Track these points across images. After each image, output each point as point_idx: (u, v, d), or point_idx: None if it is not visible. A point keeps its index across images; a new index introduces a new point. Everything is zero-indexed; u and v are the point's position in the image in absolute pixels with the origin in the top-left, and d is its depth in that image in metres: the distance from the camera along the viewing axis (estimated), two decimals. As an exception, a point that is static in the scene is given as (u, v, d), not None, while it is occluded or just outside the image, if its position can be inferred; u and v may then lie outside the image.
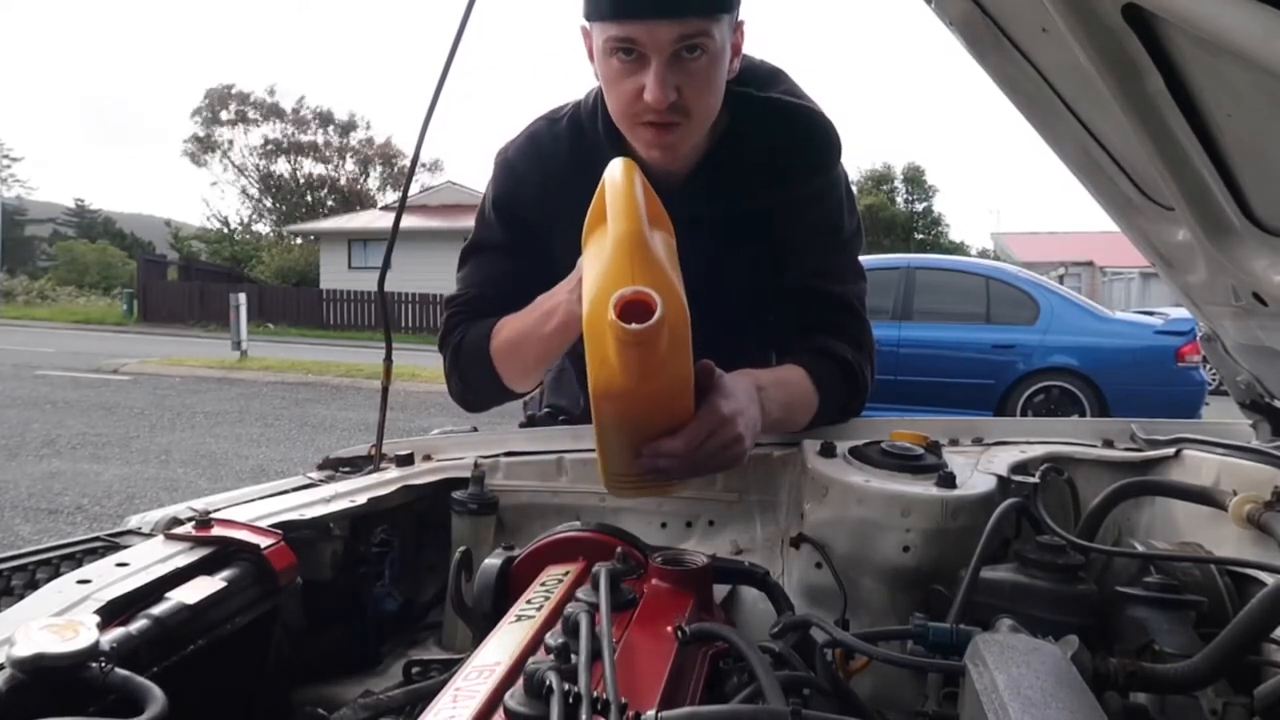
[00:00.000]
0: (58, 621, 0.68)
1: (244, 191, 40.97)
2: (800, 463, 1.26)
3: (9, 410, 8.86)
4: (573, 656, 0.64)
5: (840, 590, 1.10)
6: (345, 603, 1.13)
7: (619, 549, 0.89)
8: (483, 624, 0.88)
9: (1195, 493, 1.15)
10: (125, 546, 0.96)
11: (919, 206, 38.64)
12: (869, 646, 0.80)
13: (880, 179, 37.93)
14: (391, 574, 1.20)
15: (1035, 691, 0.59)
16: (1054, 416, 7.33)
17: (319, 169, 40.60)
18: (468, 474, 1.25)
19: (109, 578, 0.84)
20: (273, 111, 39.62)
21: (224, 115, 39.26)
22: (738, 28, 1.26)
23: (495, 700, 0.62)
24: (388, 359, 1.44)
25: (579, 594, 0.80)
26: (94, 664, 0.66)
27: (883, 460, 1.19)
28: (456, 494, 1.23)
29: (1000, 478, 1.17)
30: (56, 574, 0.90)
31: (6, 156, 44.95)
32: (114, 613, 0.78)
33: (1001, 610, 0.90)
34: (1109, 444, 1.40)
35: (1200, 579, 0.99)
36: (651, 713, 0.60)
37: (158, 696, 0.65)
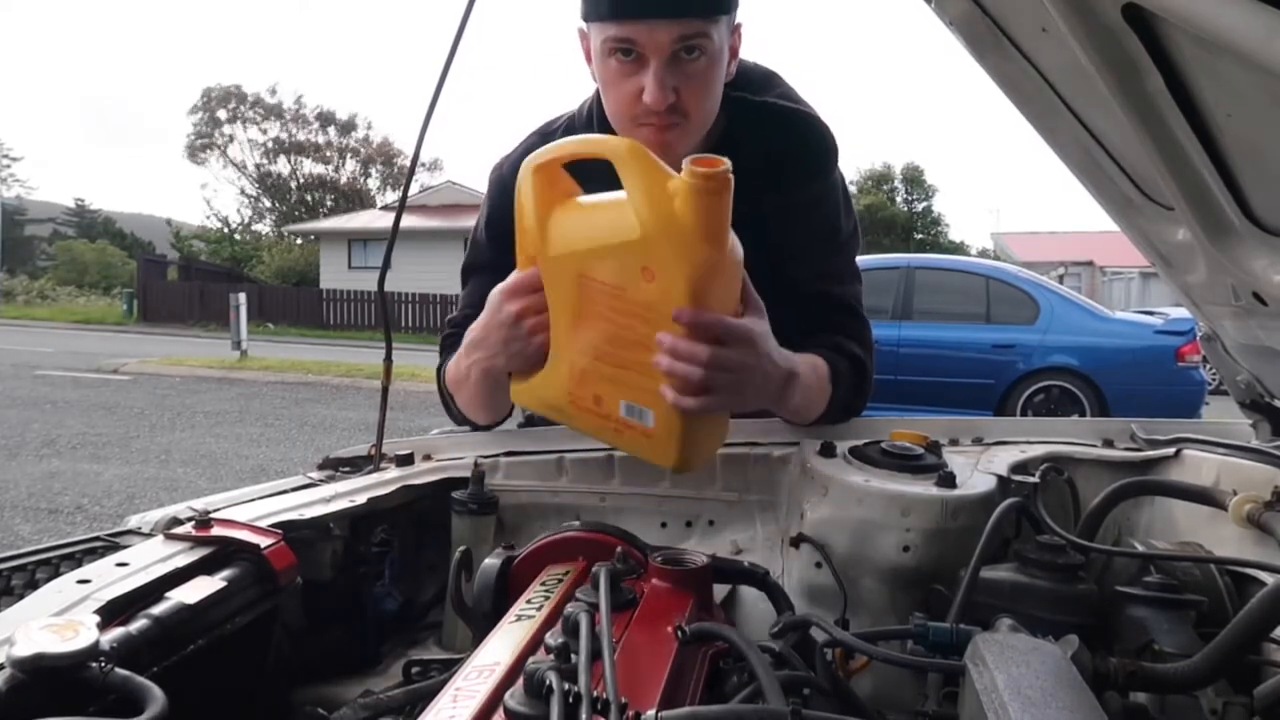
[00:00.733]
0: (58, 621, 0.68)
1: (243, 191, 41.05)
2: (800, 462, 1.26)
3: (9, 410, 8.86)
4: (573, 656, 0.64)
5: (840, 590, 1.10)
6: (345, 603, 1.13)
7: (619, 549, 0.89)
8: (483, 624, 0.88)
9: (1195, 492, 1.15)
10: (125, 546, 0.96)
11: (919, 206, 38.66)
12: (869, 646, 0.80)
13: (880, 179, 37.95)
14: (391, 574, 1.20)
15: (1035, 691, 0.59)
16: (1054, 416, 7.34)
17: (319, 169, 40.65)
18: (468, 474, 1.24)
19: (109, 578, 0.84)
20: (272, 111, 39.66)
21: (221, 114, 39.29)
22: (736, 30, 1.26)
23: (495, 700, 0.62)
24: (388, 359, 1.44)
25: (579, 594, 0.80)
26: (94, 664, 0.66)
27: (883, 460, 1.19)
28: (456, 494, 1.23)
29: (1000, 477, 1.17)
30: (56, 574, 0.90)
31: (6, 156, 45.00)
32: (114, 613, 0.78)
33: (1001, 610, 0.90)
34: (1109, 444, 1.40)
35: (1200, 579, 0.99)
36: (651, 713, 0.60)
37: (158, 696, 0.65)
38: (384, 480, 1.25)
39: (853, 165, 37.75)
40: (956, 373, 8.06)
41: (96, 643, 0.66)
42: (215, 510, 1.03)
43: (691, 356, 1.00)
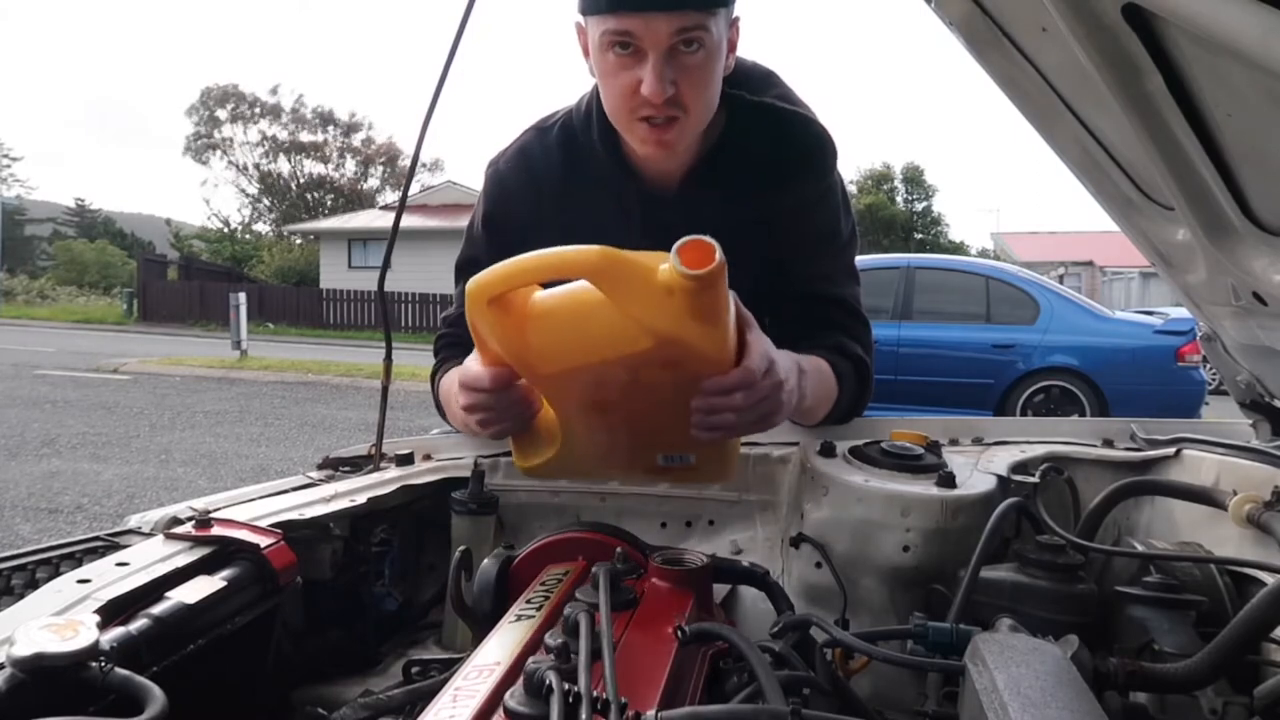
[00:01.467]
0: (58, 621, 0.68)
1: (243, 191, 41.04)
2: (800, 462, 1.26)
3: (9, 410, 8.86)
4: (572, 656, 0.64)
5: (840, 590, 1.10)
6: (345, 602, 1.13)
7: (619, 549, 0.89)
8: (482, 624, 0.88)
9: (1195, 492, 1.15)
10: (125, 546, 0.96)
11: (919, 206, 38.65)
12: (869, 646, 0.80)
13: (880, 178, 37.94)
14: (391, 574, 1.20)
15: (1035, 691, 0.59)
16: (1054, 416, 7.34)
17: (319, 168, 40.66)
18: (468, 473, 1.24)
19: (109, 577, 0.84)
20: (271, 110, 39.66)
21: (220, 114, 39.28)
22: (734, 24, 1.25)
23: (495, 700, 0.62)
24: (388, 358, 1.44)
25: (579, 594, 0.80)
26: (94, 663, 0.66)
27: (883, 460, 1.19)
28: (456, 494, 1.23)
29: (1000, 477, 1.17)
30: (56, 573, 0.89)
31: (6, 156, 45.02)
32: (114, 612, 0.78)
33: (1001, 610, 0.90)
34: (1109, 444, 1.40)
35: (1200, 579, 0.99)
36: (651, 712, 0.60)
37: (158, 696, 0.65)
38: (384, 480, 1.25)
39: (853, 165, 37.80)
40: (956, 373, 8.06)
41: (96, 642, 0.66)
42: (215, 510, 1.03)
43: (725, 422, 0.99)
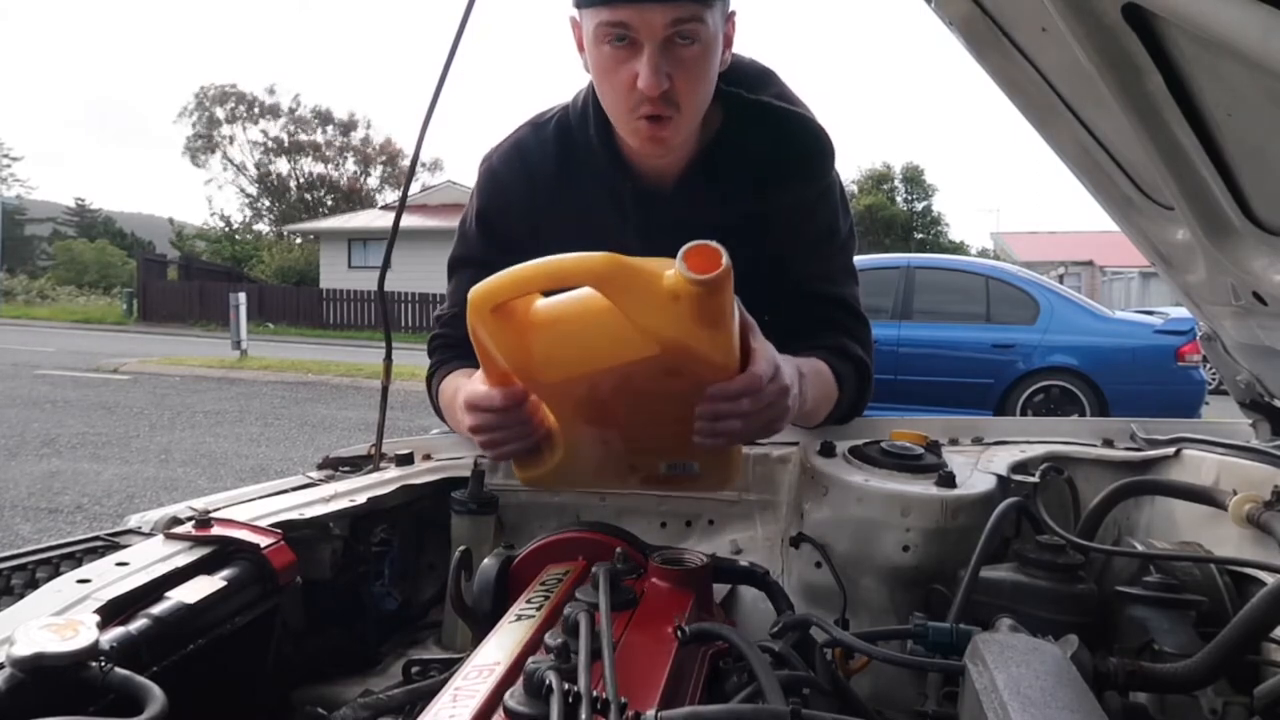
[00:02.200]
0: (58, 621, 0.68)
1: (242, 191, 41.04)
2: (800, 462, 1.26)
3: (9, 410, 8.86)
4: (572, 656, 0.64)
5: (840, 590, 1.10)
6: (345, 602, 1.13)
7: (619, 549, 0.89)
8: (482, 624, 0.88)
9: (1195, 492, 1.15)
10: (125, 546, 0.96)
11: (918, 206, 38.65)
12: (869, 646, 0.80)
13: (879, 178, 37.92)
14: (391, 574, 1.20)
15: (1035, 691, 0.59)
16: (1054, 416, 7.34)
17: (318, 168, 40.65)
18: (467, 473, 1.24)
19: (109, 577, 0.84)
20: (270, 110, 39.65)
21: (220, 114, 39.25)
22: (730, 18, 1.25)
23: (495, 700, 0.62)
24: (388, 358, 1.44)
25: (578, 593, 0.80)
26: (94, 663, 0.66)
27: (882, 460, 1.19)
28: (456, 494, 1.23)
29: (1000, 477, 1.17)
30: (56, 573, 0.89)
31: (7, 156, 45.02)
32: (114, 612, 0.78)
33: (1001, 610, 0.90)
34: (1109, 443, 1.40)
35: (1200, 578, 0.99)
36: (651, 712, 0.60)
37: (157, 696, 0.65)
38: (384, 480, 1.25)
39: (853, 165, 37.72)
40: (956, 372, 8.06)
41: (96, 642, 0.66)
42: (215, 510, 1.03)
43: (730, 429, 0.99)
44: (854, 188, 35.88)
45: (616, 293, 0.89)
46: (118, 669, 0.67)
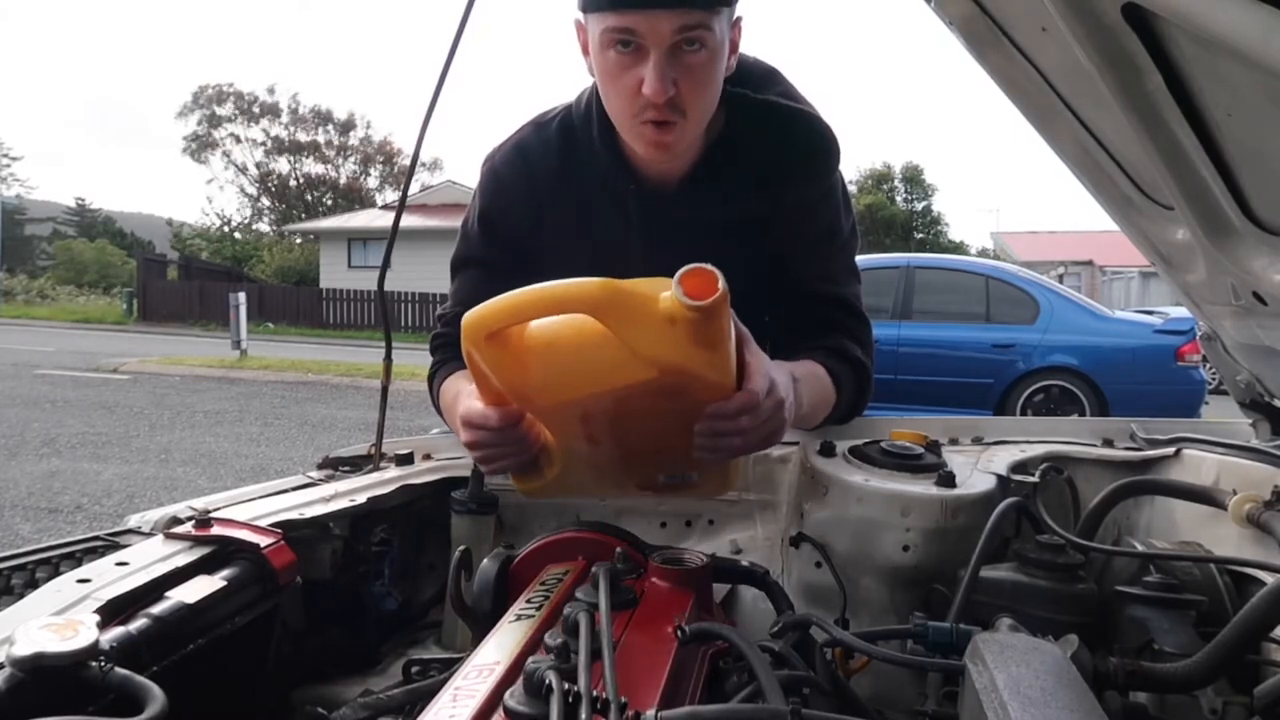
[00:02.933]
0: (57, 620, 0.68)
1: (242, 190, 41.04)
2: (800, 462, 1.26)
3: (9, 409, 8.86)
4: (572, 656, 0.64)
5: (840, 589, 1.10)
6: (345, 602, 1.13)
7: (619, 548, 0.89)
8: (482, 623, 0.88)
9: (1195, 492, 1.15)
10: (125, 546, 0.96)
11: (918, 206, 38.65)
12: (869, 646, 0.80)
13: (879, 178, 37.92)
14: (391, 573, 1.20)
15: (1035, 690, 0.59)
16: (1054, 416, 7.34)
17: (318, 168, 40.65)
18: (468, 473, 1.24)
19: (109, 577, 0.84)
20: (269, 110, 39.63)
21: (219, 112, 39.23)
22: (736, 24, 1.24)
23: (495, 699, 0.62)
24: (387, 358, 1.44)
25: (578, 593, 0.80)
26: (94, 663, 0.66)
27: (882, 459, 1.19)
28: (456, 493, 1.23)
29: (1000, 477, 1.17)
30: (56, 573, 0.89)
31: (6, 156, 45.04)
32: (114, 612, 0.78)
33: (1001, 609, 0.90)
34: (1109, 443, 1.40)
35: (1200, 578, 0.99)
36: (651, 712, 0.60)
37: (157, 696, 0.65)
38: (384, 480, 1.25)
39: (853, 165, 37.71)
40: (956, 372, 8.06)
41: (96, 642, 0.66)
42: (215, 510, 1.03)
43: (730, 445, 0.99)
44: (853, 187, 35.72)
45: (612, 319, 0.88)
46: (118, 669, 0.67)
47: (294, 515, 1.06)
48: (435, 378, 1.44)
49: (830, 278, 1.39)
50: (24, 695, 0.63)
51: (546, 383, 0.95)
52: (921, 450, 1.21)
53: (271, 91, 39.83)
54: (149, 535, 1.00)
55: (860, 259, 1.47)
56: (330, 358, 14.51)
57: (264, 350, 15.18)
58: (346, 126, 40.53)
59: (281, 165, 40.33)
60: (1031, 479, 1.21)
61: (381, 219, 27.85)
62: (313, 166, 40.53)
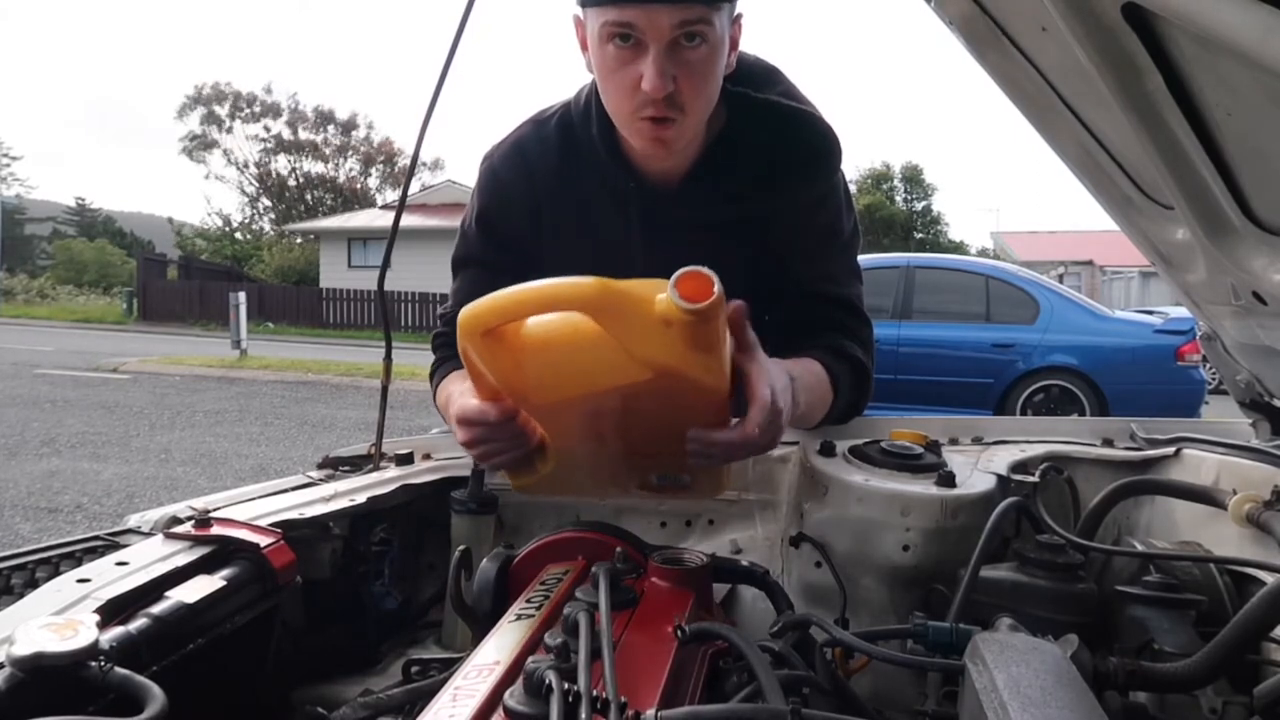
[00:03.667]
0: (57, 620, 0.68)
1: (241, 190, 41.03)
2: (800, 462, 1.26)
3: (8, 409, 8.86)
4: (572, 655, 0.64)
5: (840, 589, 1.10)
6: (345, 601, 1.13)
7: (619, 548, 0.89)
8: (482, 623, 0.88)
9: (1195, 492, 1.15)
10: (125, 545, 0.96)
11: (918, 205, 38.64)
12: (869, 645, 0.80)
13: (879, 178, 37.91)
14: (391, 573, 1.20)
15: (1035, 690, 0.59)
16: (1054, 415, 7.34)
17: (318, 168, 40.61)
18: (468, 473, 1.24)
19: (108, 576, 0.84)
20: (269, 109, 39.60)
21: (219, 112, 39.18)
22: (736, 21, 1.24)
23: (495, 699, 0.62)
24: (387, 358, 1.44)
25: (578, 593, 0.80)
26: (93, 663, 0.66)
27: (882, 459, 1.18)
28: (456, 493, 1.23)
29: (1000, 477, 1.17)
30: (56, 573, 0.89)
31: (6, 156, 45.04)
32: (113, 612, 0.78)
33: (1001, 609, 0.90)
34: (1109, 443, 1.40)
35: (1200, 578, 0.99)
36: (651, 712, 0.60)
37: (157, 695, 0.65)
38: (384, 479, 1.25)
39: (852, 164, 37.69)
40: (956, 372, 8.06)
41: (96, 642, 0.66)
42: (215, 509, 1.03)
43: (727, 455, 0.99)
44: (853, 187, 35.58)
45: (607, 319, 0.87)
46: (117, 668, 0.67)
47: (294, 515, 1.06)
48: (436, 374, 1.44)
49: (831, 278, 1.39)
50: (24, 695, 0.63)
51: (541, 381, 0.95)
52: (921, 450, 1.21)
53: (270, 91, 39.86)
54: (149, 535, 1.00)
55: (860, 259, 1.47)
56: (330, 357, 14.51)
57: (264, 350, 15.18)
58: (348, 126, 40.54)
59: (281, 165, 40.34)
60: (1031, 479, 1.21)
61: (381, 219, 27.84)
62: (312, 166, 40.54)
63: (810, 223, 1.36)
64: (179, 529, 0.97)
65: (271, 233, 39.54)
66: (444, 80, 1.25)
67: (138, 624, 0.77)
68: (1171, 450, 1.31)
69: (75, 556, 0.96)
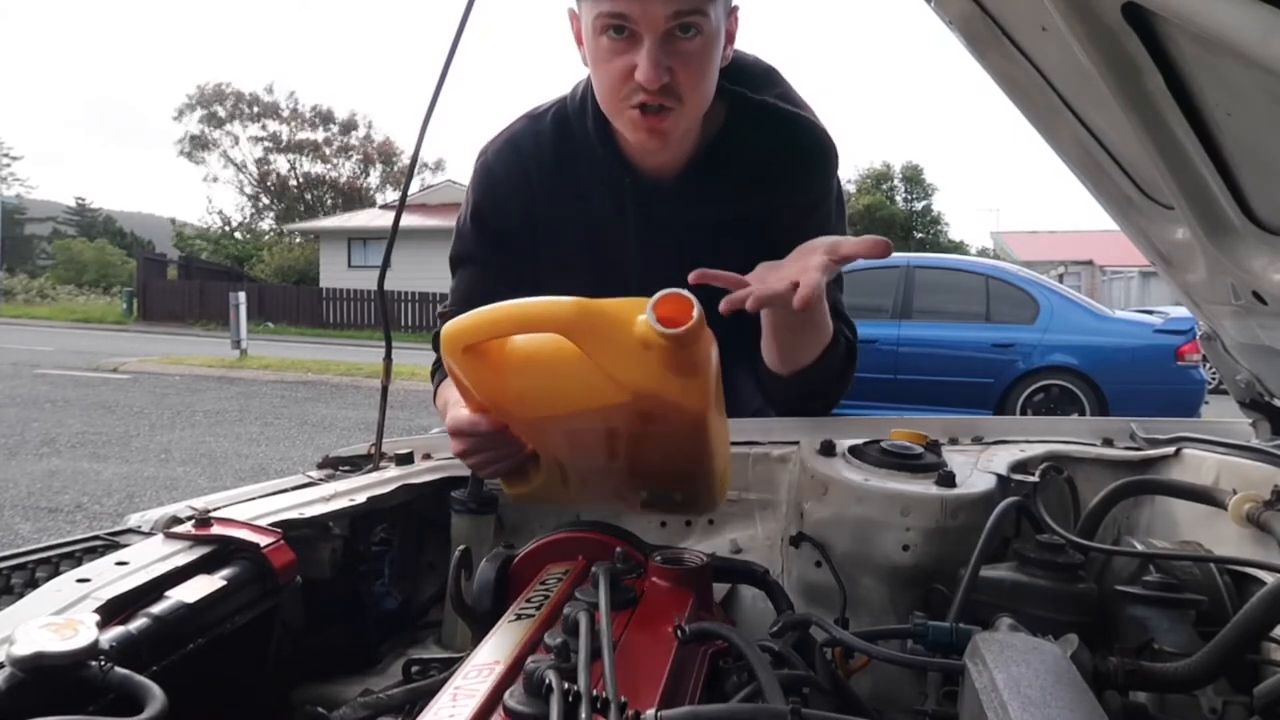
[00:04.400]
0: (57, 620, 0.68)
1: (242, 190, 41.03)
2: (800, 462, 1.26)
3: (9, 409, 8.86)
4: (572, 655, 0.64)
5: (840, 589, 1.10)
6: (345, 601, 1.13)
7: (618, 548, 0.89)
8: (482, 623, 0.88)
9: (1195, 492, 1.15)
10: (125, 545, 0.96)
11: (918, 205, 38.64)
12: (869, 645, 0.80)
13: (879, 178, 37.90)
14: (391, 573, 1.20)
15: (1035, 690, 0.59)
16: (1053, 415, 7.34)
17: (318, 167, 40.61)
18: (467, 473, 1.24)
19: (108, 576, 0.84)
20: (269, 110, 39.60)
21: (219, 112, 39.16)
22: (732, 13, 1.23)
23: (495, 699, 0.62)
24: (387, 357, 1.44)
25: (578, 593, 0.80)
26: (93, 663, 0.66)
27: (882, 459, 1.18)
28: (456, 493, 1.23)
29: (1000, 476, 1.17)
30: (56, 573, 0.89)
31: (7, 156, 45.04)
32: (113, 611, 0.78)
33: (1001, 609, 0.90)
34: (1109, 443, 1.40)
35: (1200, 578, 0.99)
36: (651, 712, 0.60)
37: (157, 695, 0.65)
38: (384, 479, 1.25)
39: (852, 164, 37.66)
40: (956, 372, 8.06)
41: (96, 641, 0.66)
42: (215, 509, 1.03)
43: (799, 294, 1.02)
44: (853, 187, 35.88)
45: (585, 341, 0.86)
46: (117, 668, 0.67)
47: (294, 515, 1.05)
48: (436, 375, 1.44)
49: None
50: (24, 695, 0.63)
51: (523, 398, 0.95)
52: (921, 450, 1.21)
53: (270, 90, 39.86)
54: (149, 535, 1.00)
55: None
56: (330, 357, 14.52)
57: (264, 350, 15.19)
58: (347, 126, 40.53)
59: (281, 164, 40.33)
60: (1031, 479, 1.21)
61: (381, 219, 27.84)
62: (312, 166, 40.54)
63: (800, 225, 1.36)
64: (179, 529, 0.97)
65: (271, 232, 39.55)
66: (444, 80, 1.25)
67: (138, 624, 0.77)
68: (1171, 450, 1.31)
69: (75, 556, 0.96)
